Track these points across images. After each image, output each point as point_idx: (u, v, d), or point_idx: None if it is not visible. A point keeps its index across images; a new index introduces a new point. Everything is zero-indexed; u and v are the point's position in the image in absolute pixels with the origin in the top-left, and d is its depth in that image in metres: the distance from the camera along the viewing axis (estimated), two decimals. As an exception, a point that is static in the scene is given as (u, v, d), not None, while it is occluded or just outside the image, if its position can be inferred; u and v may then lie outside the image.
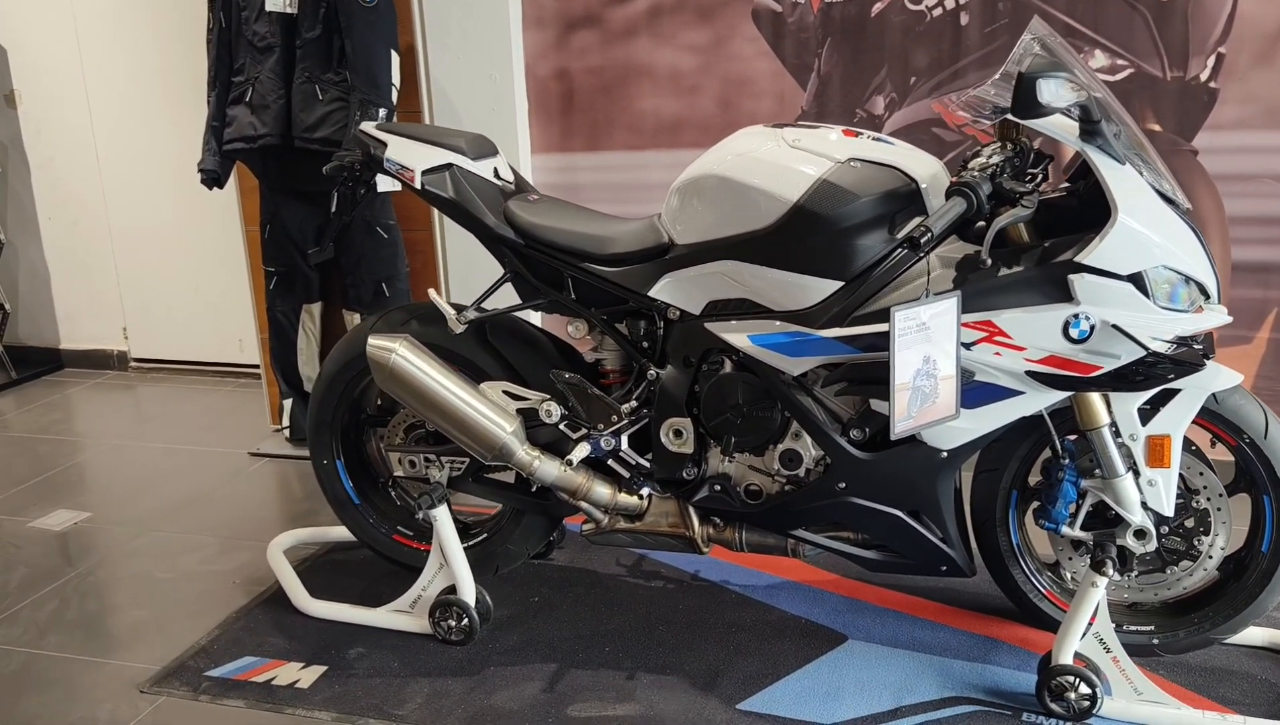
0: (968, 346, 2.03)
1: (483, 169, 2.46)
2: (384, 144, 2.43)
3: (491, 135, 3.44)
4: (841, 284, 2.12)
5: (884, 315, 2.07)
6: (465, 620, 2.49)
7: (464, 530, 2.64)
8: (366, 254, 3.60)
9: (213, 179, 3.56)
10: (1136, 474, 2.14)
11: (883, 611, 2.63)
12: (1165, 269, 1.98)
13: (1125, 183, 1.97)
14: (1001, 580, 2.40)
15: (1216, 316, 2.04)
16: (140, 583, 2.94)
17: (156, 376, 4.85)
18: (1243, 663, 2.36)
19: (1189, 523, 2.22)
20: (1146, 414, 2.13)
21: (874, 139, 2.22)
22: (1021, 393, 2.06)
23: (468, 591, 2.51)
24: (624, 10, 3.42)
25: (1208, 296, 2.05)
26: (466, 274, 3.71)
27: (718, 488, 2.37)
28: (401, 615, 2.61)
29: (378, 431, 2.80)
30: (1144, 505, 2.15)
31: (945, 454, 2.16)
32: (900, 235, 2.09)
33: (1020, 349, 2.02)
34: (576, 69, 3.51)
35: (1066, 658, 2.18)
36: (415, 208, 3.67)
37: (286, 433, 3.89)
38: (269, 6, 3.41)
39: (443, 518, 2.50)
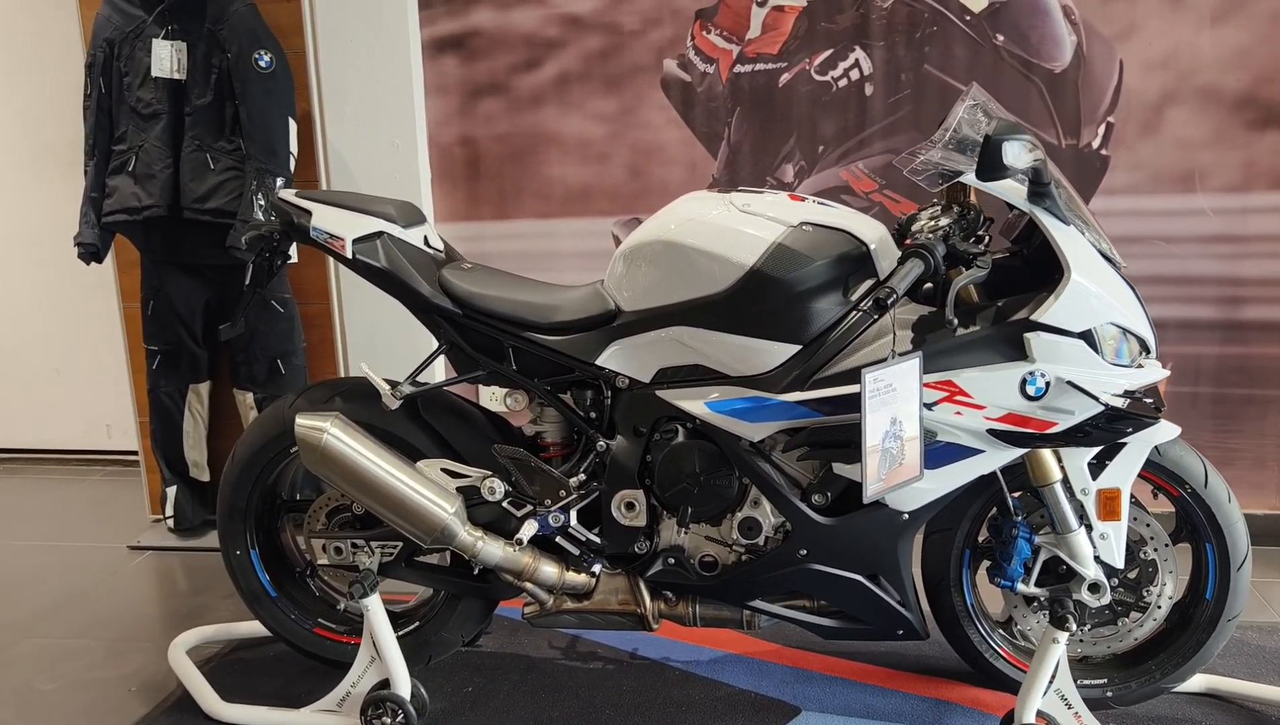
0: (929, 407, 2.03)
1: (413, 237, 2.36)
2: (308, 212, 2.31)
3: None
4: (798, 347, 2.10)
5: (845, 378, 2.07)
6: (401, 717, 2.32)
7: (393, 619, 2.48)
8: (261, 329, 3.42)
9: (91, 253, 3.33)
10: (1089, 528, 2.17)
11: (830, 680, 2.59)
12: (1112, 326, 2.03)
13: (1072, 243, 2.02)
14: (956, 641, 2.39)
15: (1158, 371, 2.10)
16: (22, 697, 2.64)
17: (11, 467, 4.48)
18: (1185, 709, 2.40)
19: (1135, 574, 2.26)
20: (1094, 468, 2.16)
21: (819, 203, 2.22)
22: (982, 451, 2.07)
23: (402, 685, 2.35)
24: (530, 78, 3.38)
25: (1147, 351, 2.11)
26: (367, 348, 3.56)
27: (671, 560, 2.29)
28: (329, 715, 2.41)
29: (293, 518, 2.62)
30: (1096, 559, 2.18)
31: (906, 516, 2.14)
32: (862, 297, 2.09)
33: (980, 408, 2.03)
34: (482, 136, 3.45)
35: (1029, 716, 2.17)
36: (311, 280, 3.52)
37: (171, 523, 3.62)
38: (155, 72, 3.24)
39: (374, 607, 2.34)
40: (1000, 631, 2.39)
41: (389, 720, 2.34)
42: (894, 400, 1.94)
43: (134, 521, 3.78)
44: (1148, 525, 2.24)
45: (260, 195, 3.19)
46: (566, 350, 2.26)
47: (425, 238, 2.40)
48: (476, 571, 2.37)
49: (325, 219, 2.29)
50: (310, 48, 3.37)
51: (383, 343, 3.54)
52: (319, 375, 3.57)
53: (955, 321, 1.96)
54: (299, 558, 2.64)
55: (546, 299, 2.30)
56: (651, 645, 2.77)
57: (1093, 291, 2.00)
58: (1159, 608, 2.26)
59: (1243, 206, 3.11)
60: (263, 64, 3.21)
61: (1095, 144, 3.14)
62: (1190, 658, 2.27)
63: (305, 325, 3.52)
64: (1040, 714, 2.18)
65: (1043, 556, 2.22)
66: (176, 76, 3.25)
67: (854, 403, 2.04)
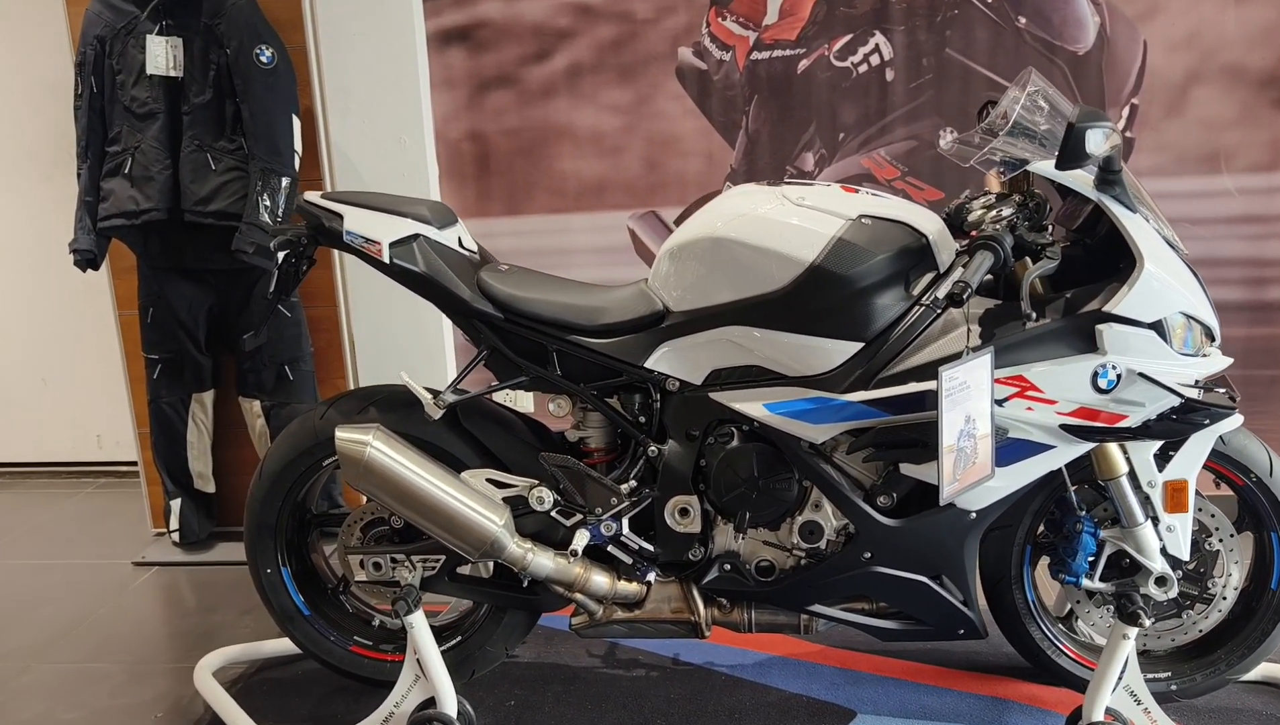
0: (1000, 403, 1.97)
1: (449, 238, 2.26)
2: (339, 215, 2.20)
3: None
4: (861, 345, 2.03)
5: (910, 376, 2.01)
6: (450, 736, 2.24)
7: (436, 634, 2.39)
8: (268, 335, 3.30)
9: (88, 260, 3.19)
10: (1155, 521, 2.13)
11: (881, 680, 2.53)
12: (1181, 315, 1.98)
13: (1142, 231, 1.97)
14: (1017, 639, 2.34)
15: (1222, 359, 2.05)
16: (43, 728, 2.54)
17: (-1, 482, 4.33)
18: (1244, 699, 2.37)
19: (1199, 565, 2.22)
20: (1160, 460, 2.12)
21: (872, 194, 2.15)
22: (1052, 447, 2.01)
23: (449, 703, 2.26)
24: (541, 70, 3.28)
25: (1212, 339, 2.06)
26: (376, 353, 3.46)
27: (728, 567, 2.23)
28: (372, 737, 2.33)
29: (321, 533, 2.53)
30: (1162, 551, 2.14)
31: (974, 515, 2.09)
32: (925, 291, 2.02)
33: (1052, 403, 1.98)
34: (491, 131, 3.35)
35: (1099, 714, 2.13)
36: (317, 283, 3.40)
37: (176, 537, 3.50)
38: (150, 70, 3.11)
39: (419, 624, 2.25)
40: (1060, 627, 2.34)
41: (437, 741, 2.25)
42: (968, 398, 1.88)
43: (135, 536, 3.65)
44: (1212, 516, 2.20)
45: (266, 196, 3.07)
46: (614, 353, 2.18)
47: (459, 239, 2.31)
48: (525, 583, 2.29)
49: (359, 222, 2.19)
50: (311, 42, 3.26)
51: (392, 346, 3.44)
52: (328, 381, 3.46)
53: (1033, 315, 1.90)
54: (330, 574, 2.55)
55: (591, 301, 2.22)
56: (693, 650, 2.71)
57: (1164, 281, 1.95)
58: (1224, 599, 2.23)
59: (1268, 186, 3.09)
60: (264, 59, 3.09)
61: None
62: (1256, 648, 2.25)
63: (312, 329, 3.40)
64: (1109, 710, 2.14)
65: (1107, 551, 2.18)
66: (173, 74, 3.12)
67: (921, 401, 1.99)
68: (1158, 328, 1.96)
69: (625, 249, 3.37)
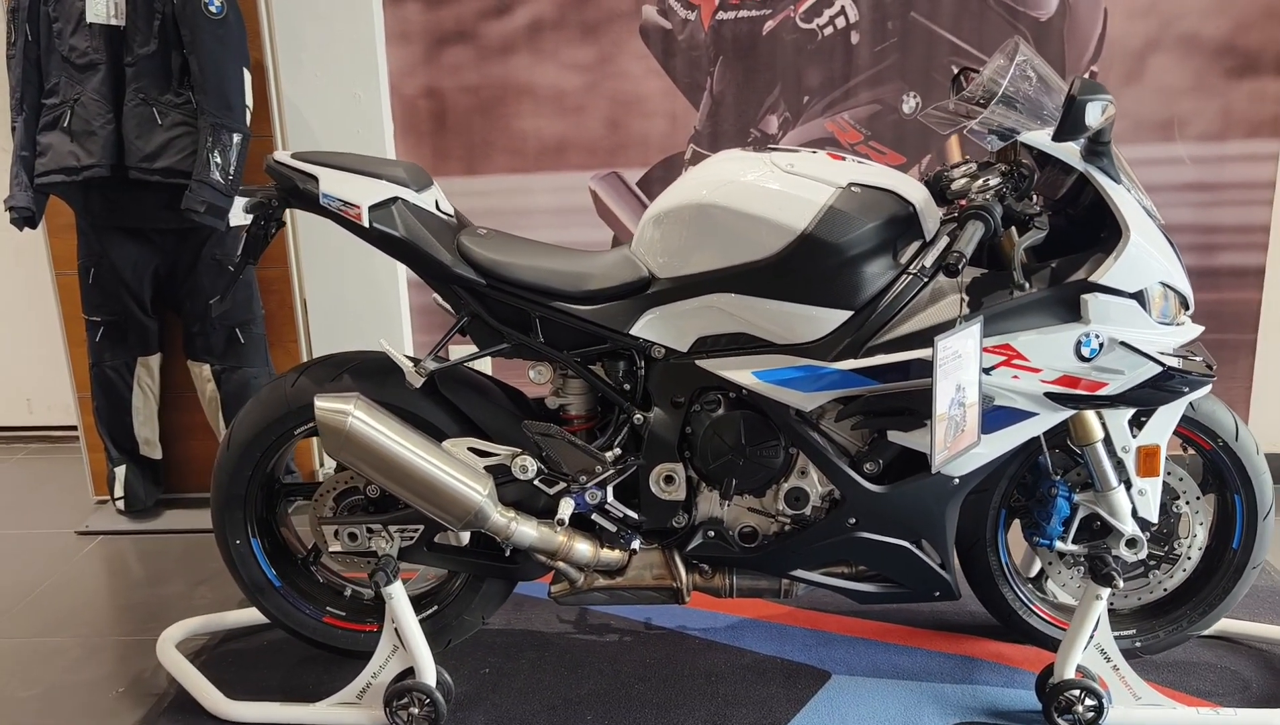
0: (987, 371, 1.99)
1: (426, 202, 2.20)
2: (313, 177, 2.13)
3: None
4: (849, 313, 2.04)
5: (899, 344, 2.02)
6: (430, 706, 2.22)
7: (414, 604, 2.35)
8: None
9: (26, 217, 3.04)
10: (1128, 485, 2.18)
11: (853, 641, 2.57)
12: (1160, 285, 2.02)
13: (1126, 203, 2.00)
14: (989, 600, 2.39)
15: (1195, 327, 2.11)
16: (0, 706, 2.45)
17: (-78, 448, 4.14)
18: (1200, 653, 2.46)
19: (1167, 527, 2.29)
20: (1133, 425, 2.17)
21: (858, 161, 2.15)
22: (1036, 414, 2.05)
23: (428, 673, 2.24)
24: (500, 25, 3.20)
25: (1187, 308, 2.11)
26: (328, 317, 3.37)
27: (711, 534, 2.23)
28: (349, 708, 2.29)
29: (291, 503, 2.47)
30: (1133, 514, 2.20)
31: (957, 481, 2.12)
32: (912, 259, 2.03)
33: (1036, 371, 2.01)
34: (449, 87, 3.26)
35: (1070, 672, 2.19)
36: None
37: (121, 504, 3.39)
38: (90, 18, 2.96)
39: (398, 594, 2.21)
40: (1030, 587, 2.40)
41: (415, 710, 2.23)
42: (959, 367, 1.90)
43: (76, 504, 3.54)
44: (1180, 479, 2.26)
45: (217, 153, 2.96)
46: (598, 320, 2.15)
47: (436, 202, 2.24)
48: (508, 552, 2.27)
49: (336, 184, 2.11)
50: (261, -9, 3.13)
51: (345, 310, 3.36)
52: (278, 344, 3.37)
53: (1026, 284, 1.92)
54: (299, 545, 2.49)
55: (575, 266, 2.19)
56: (665, 615, 2.72)
57: (1147, 251, 1.98)
58: (1189, 558, 2.30)
59: (1219, 155, 3.16)
60: (213, 9, 2.96)
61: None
62: (1217, 605, 2.33)
63: (263, 291, 3.30)
64: (1079, 668, 2.20)
65: (1080, 514, 2.23)
66: (114, 23, 2.97)
67: (911, 369, 2.01)
68: (1139, 297, 2.00)
69: (586, 210, 3.32)
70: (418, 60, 3.25)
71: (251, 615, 2.68)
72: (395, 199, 2.13)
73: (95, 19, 2.96)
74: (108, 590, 2.99)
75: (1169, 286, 2.04)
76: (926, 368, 1.98)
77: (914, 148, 3.19)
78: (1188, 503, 2.27)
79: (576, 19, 3.18)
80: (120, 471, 3.37)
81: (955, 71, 2.31)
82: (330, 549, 2.30)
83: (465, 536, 2.37)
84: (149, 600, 2.91)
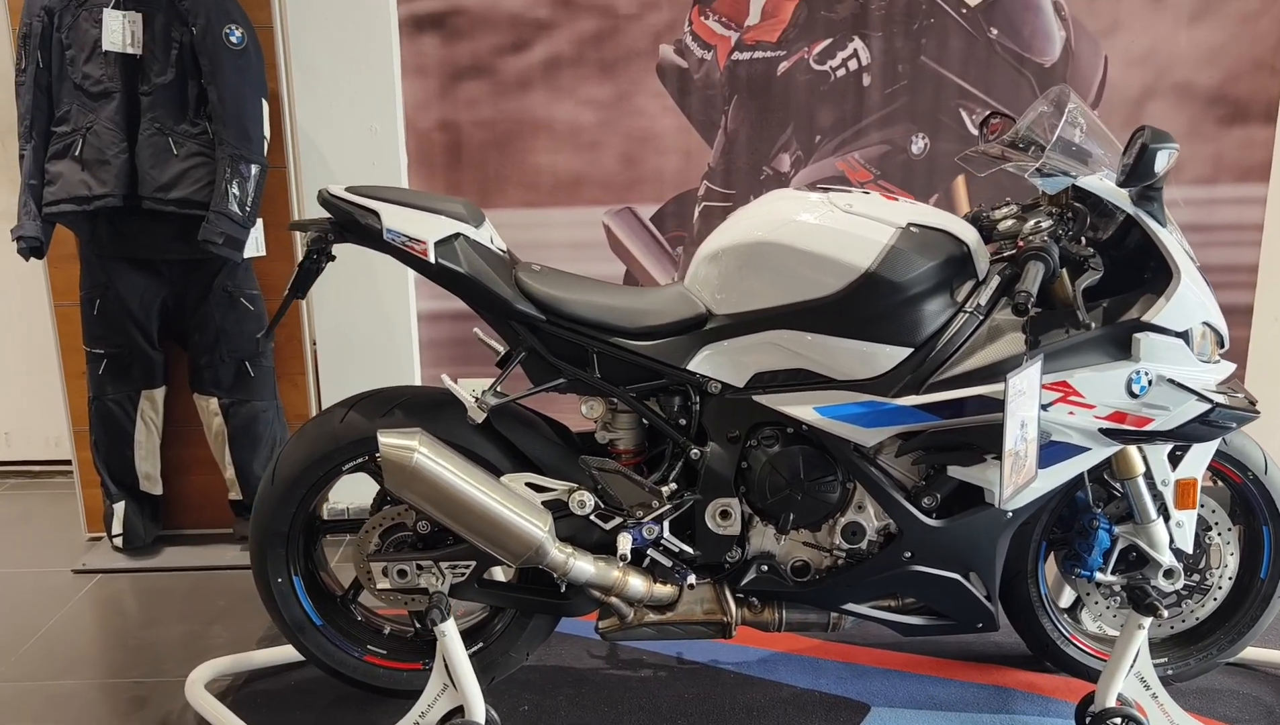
0: (1044, 407, 2.05)
1: (483, 238, 2.21)
2: (374, 212, 2.12)
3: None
4: (910, 350, 2.09)
5: (960, 381, 2.07)
6: (481, 745, 2.20)
7: (458, 642, 2.33)
8: (228, 329, 3.15)
9: (33, 248, 2.97)
10: (1167, 517, 2.25)
11: (886, 673, 2.61)
12: (1203, 324, 2.11)
13: (1174, 245, 2.07)
14: (1029, 630, 2.44)
15: (1228, 365, 2.19)
16: (20, 753, 2.36)
17: (-108, 484, 3.99)
18: (1222, 680, 2.54)
19: (1200, 557, 2.36)
20: (1172, 460, 2.24)
21: (911, 203, 2.21)
22: (1088, 449, 2.11)
23: (478, 711, 2.21)
24: (518, 61, 3.22)
25: (1222, 346, 2.20)
26: (337, 350, 3.34)
27: (765, 568, 2.25)
28: (395, 751, 2.26)
29: (322, 540, 2.44)
30: (1170, 546, 2.27)
31: (1010, 514, 2.17)
32: (968, 298, 2.09)
33: (1091, 407, 2.07)
34: (464, 121, 3.27)
35: (1111, 700, 2.24)
36: (276, 275, 3.26)
37: (119, 542, 3.30)
38: (106, 46, 2.92)
39: (451, 632, 2.19)
40: (1066, 618, 2.45)
41: (468, 751, 2.21)
42: (1024, 404, 1.96)
43: (68, 541, 3.43)
44: (1213, 511, 2.34)
45: (235, 184, 2.92)
46: (656, 355, 2.17)
47: (490, 238, 2.25)
48: (563, 588, 2.26)
49: (399, 220, 2.11)
50: (278, 22, 3.11)
51: (355, 343, 3.33)
52: (286, 377, 3.32)
53: (1091, 323, 1.98)
54: (335, 582, 2.46)
55: (631, 302, 2.20)
56: (696, 649, 2.72)
57: (1195, 292, 2.06)
58: (1219, 588, 2.38)
59: (1210, 198, 3.30)
60: (234, 39, 2.93)
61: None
62: (1245, 633, 2.41)
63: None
64: (1119, 696, 2.26)
65: (1120, 546, 2.29)
66: (130, 51, 2.93)
67: (974, 406, 2.06)
68: (1184, 336, 2.08)
69: (600, 245, 3.34)
70: (433, 94, 3.25)
71: (279, 654, 2.64)
72: (458, 235, 2.14)
73: (111, 47, 2.92)
74: (114, 630, 2.91)
75: (1209, 326, 2.12)
76: (988, 404, 2.04)
77: (922, 188, 3.28)
78: (1219, 534, 2.35)
79: (594, 56, 3.21)
80: (119, 507, 3.28)
81: (984, 115, 2.40)
82: (378, 586, 2.27)
83: (512, 572, 2.36)
84: (160, 640, 2.83)
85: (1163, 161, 1.89)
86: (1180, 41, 3.18)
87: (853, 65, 3.22)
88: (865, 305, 2.06)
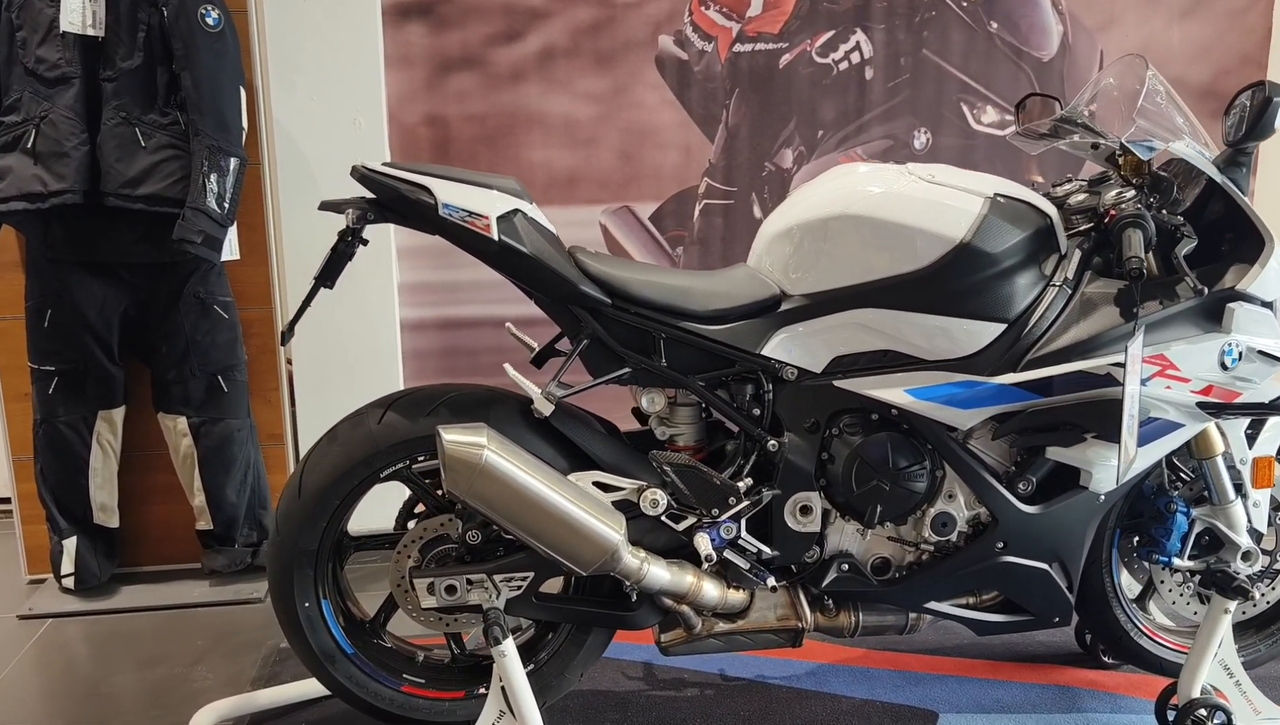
0: (1143, 382, 1.97)
1: (539, 216, 2.02)
2: (423, 187, 1.91)
3: (356, 190, 2.94)
4: (1004, 326, 1.98)
5: (1058, 357, 1.96)
6: (543, 777, 1.98)
7: (507, 665, 2.11)
8: (199, 340, 2.87)
9: (-21, 251, 2.65)
10: (1244, 497, 2.19)
11: (942, 679, 2.48)
12: (1281, 296, 2.06)
13: (1258, 213, 2.03)
14: (1101, 622, 2.34)
15: (1304, 337, 2.15)
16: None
17: None
18: (1272, 668, 2.49)
19: (1273, 539, 2.31)
20: (1249, 437, 2.19)
21: (979, 175, 2.11)
22: (1182, 425, 2.03)
23: (537, 739, 2.00)
24: (510, 52, 3.05)
25: (1293, 321, 2.16)
26: (315, 360, 3.08)
27: (845, 567, 2.10)
28: (447, 788, 2.02)
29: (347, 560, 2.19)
30: (1247, 527, 2.21)
31: (1102, 498, 2.07)
32: (1069, 273, 2.00)
33: (1186, 381, 1.99)
34: (453, 115, 3.07)
35: (1196, 690, 2.16)
36: (249, 280, 3.00)
37: (70, 582, 2.95)
38: (64, 27, 2.64)
39: (511, 653, 1.97)
40: (1136, 608, 2.37)
41: (528, 783, 1.98)
42: (1133, 378, 1.87)
43: (8, 586, 3.06)
44: (1286, 490, 2.30)
45: (213, 178, 2.66)
46: (728, 340, 2.02)
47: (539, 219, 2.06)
48: (634, 598, 2.06)
49: (454, 194, 1.91)
50: (253, 7, 2.87)
51: (334, 353, 3.07)
52: (258, 393, 3.04)
53: (1205, 289, 1.90)
54: (358, 606, 2.21)
55: (700, 284, 2.04)
56: (738, 665, 2.55)
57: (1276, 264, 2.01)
58: (1291, 571, 2.33)
59: (1202, 192, 3.31)
60: (210, 21, 2.68)
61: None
62: (1314, 617, 2.36)
63: (243, 333, 2.98)
64: (1203, 686, 2.18)
65: (1197, 528, 2.22)
66: (92, 33, 2.66)
67: (1074, 382, 1.96)
68: (1271, 307, 2.02)
69: (597, 244, 3.18)
70: (419, 86, 3.04)
71: (283, 694, 2.38)
72: (516, 211, 1.95)
73: (70, 28, 2.64)
74: (81, 679, 2.57)
75: (1298, 298, 2.08)
76: (1089, 380, 1.95)
77: (925, 183, 3.20)
78: (1290, 514, 2.30)
79: (591, 47, 3.06)
80: (69, 544, 2.94)
81: (1022, 97, 2.34)
82: (423, 605, 2.04)
83: (560, 584, 2.16)
84: (138, 686, 2.52)
85: (1278, 117, 1.84)
86: (1172, 37, 3.21)
87: (855, 58, 3.14)
88: (958, 279, 1.95)
